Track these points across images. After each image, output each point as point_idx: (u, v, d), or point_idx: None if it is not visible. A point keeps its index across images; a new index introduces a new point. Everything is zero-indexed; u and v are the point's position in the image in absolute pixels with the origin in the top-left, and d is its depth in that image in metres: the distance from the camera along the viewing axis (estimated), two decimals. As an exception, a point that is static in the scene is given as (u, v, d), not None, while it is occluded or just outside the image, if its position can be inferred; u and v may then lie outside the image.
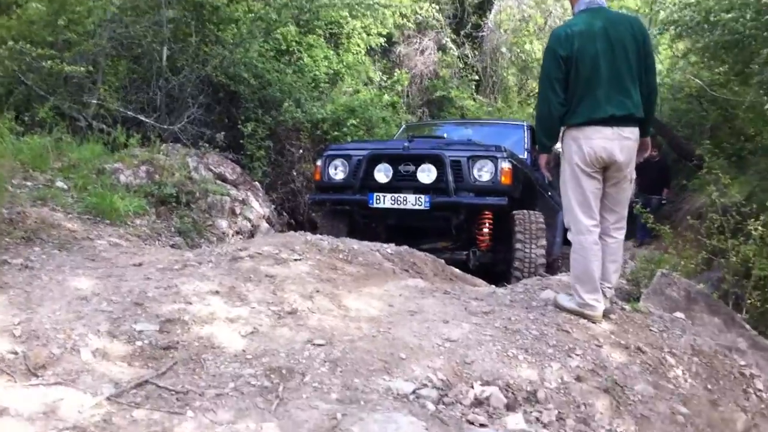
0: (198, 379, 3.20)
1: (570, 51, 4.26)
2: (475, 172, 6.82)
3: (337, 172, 7.30)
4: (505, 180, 6.73)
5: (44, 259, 4.73)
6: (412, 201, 6.78)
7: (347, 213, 7.38)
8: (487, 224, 6.92)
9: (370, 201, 6.91)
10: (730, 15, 9.81)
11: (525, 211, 6.72)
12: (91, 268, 4.53)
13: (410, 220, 7.08)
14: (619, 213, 4.52)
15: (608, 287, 4.52)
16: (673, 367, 4.03)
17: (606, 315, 4.43)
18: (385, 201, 6.87)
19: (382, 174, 7.01)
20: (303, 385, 3.22)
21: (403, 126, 10.58)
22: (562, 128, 4.48)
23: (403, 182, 6.97)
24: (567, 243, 9.11)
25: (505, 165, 6.75)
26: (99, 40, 8.66)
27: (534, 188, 7.59)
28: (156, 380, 3.14)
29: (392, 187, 6.95)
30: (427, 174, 6.87)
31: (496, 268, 6.86)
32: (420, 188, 6.86)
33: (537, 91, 4.68)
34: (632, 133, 4.34)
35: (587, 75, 4.25)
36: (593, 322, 4.32)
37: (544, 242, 6.56)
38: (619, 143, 4.27)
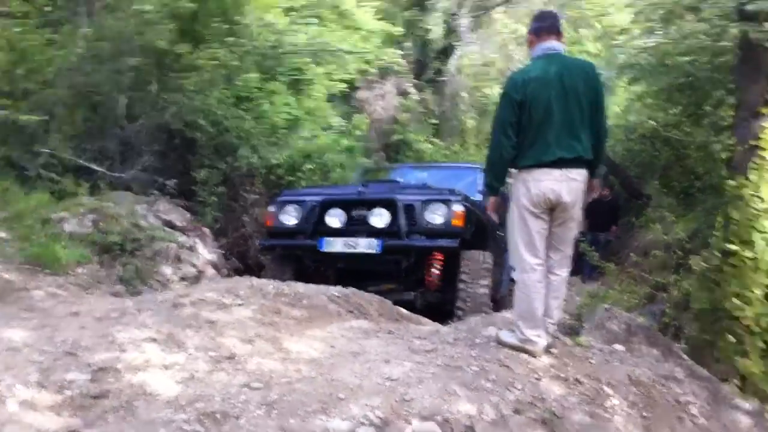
0: (128, 427, 3.16)
1: (524, 96, 4.34)
2: (428, 216, 6.83)
3: (290, 217, 7.27)
4: (457, 222, 6.76)
5: (-23, 311, 4.65)
6: (364, 245, 6.78)
7: (295, 257, 7.35)
8: (437, 265, 6.93)
9: (320, 245, 6.89)
10: (686, 58, 10.05)
11: (472, 251, 6.75)
12: (25, 319, 4.46)
13: (361, 264, 7.06)
14: (563, 251, 4.57)
15: (551, 323, 4.55)
16: (610, 396, 4.05)
17: (547, 349, 4.45)
18: (336, 245, 6.85)
19: (335, 219, 7.02)
20: (237, 428, 3.19)
21: (360, 170, 10.62)
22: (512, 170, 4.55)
23: (356, 227, 6.96)
24: (513, 280, 9.20)
25: (458, 208, 6.79)
26: (57, 90, 8.59)
27: (486, 229, 7.64)
28: (84, 429, 3.10)
29: (345, 232, 6.95)
30: (379, 218, 6.88)
31: (445, 308, 6.86)
32: (372, 232, 6.87)
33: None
34: (580, 174, 4.41)
35: (539, 120, 4.32)
36: (534, 357, 4.35)
37: (488, 281, 6.57)
38: (567, 185, 4.34)
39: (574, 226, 4.55)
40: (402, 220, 6.76)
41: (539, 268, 4.42)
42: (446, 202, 6.83)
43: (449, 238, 6.74)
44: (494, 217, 5.06)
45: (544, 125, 4.31)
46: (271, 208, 7.46)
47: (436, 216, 6.82)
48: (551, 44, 4.52)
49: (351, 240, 6.82)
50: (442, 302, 6.96)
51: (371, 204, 6.97)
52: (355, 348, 4.40)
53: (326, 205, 7.08)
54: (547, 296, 4.47)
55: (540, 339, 4.38)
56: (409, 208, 6.84)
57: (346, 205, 7.06)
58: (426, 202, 6.88)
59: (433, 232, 6.78)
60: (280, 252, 7.48)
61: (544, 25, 4.56)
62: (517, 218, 4.44)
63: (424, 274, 6.98)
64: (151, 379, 3.62)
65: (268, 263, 7.67)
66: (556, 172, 4.32)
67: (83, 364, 3.68)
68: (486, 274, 6.60)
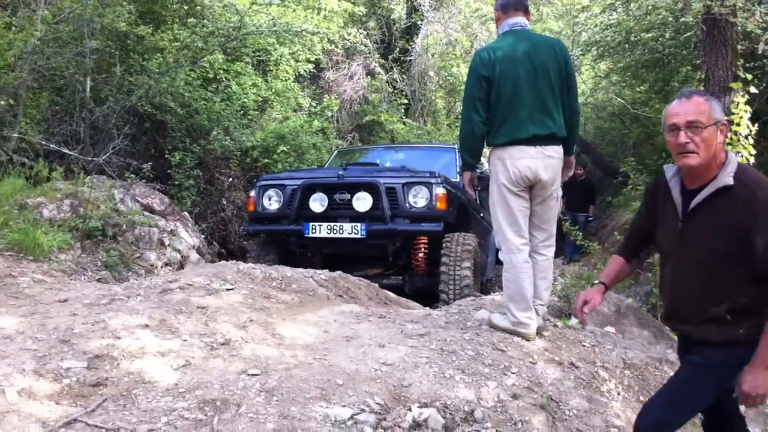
0: (129, 415, 3.11)
1: (492, 72, 4.35)
2: (411, 199, 6.84)
3: (272, 202, 7.23)
4: (440, 205, 6.77)
5: (-36, 298, 4.56)
6: (348, 229, 6.77)
7: (280, 241, 7.32)
8: (422, 249, 6.96)
9: (306, 231, 6.87)
10: (650, 35, 10.13)
11: (453, 234, 6.77)
12: (14, 306, 4.37)
13: (346, 249, 7.08)
14: (547, 231, 4.60)
15: (540, 304, 4.58)
16: (606, 380, 4.10)
17: (539, 332, 4.49)
18: (320, 230, 6.84)
19: (318, 203, 6.98)
20: (238, 416, 3.16)
21: (335, 152, 10.58)
22: (488, 149, 4.56)
23: (339, 211, 6.95)
24: (500, 263, 9.24)
25: (440, 190, 6.80)
26: (20, 73, 8.44)
27: (467, 211, 7.66)
28: (85, 418, 3.04)
29: (327, 216, 6.93)
30: (362, 202, 6.86)
31: (433, 291, 6.88)
32: (355, 216, 6.85)
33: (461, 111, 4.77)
34: (556, 151, 4.43)
35: (509, 97, 4.34)
36: (527, 340, 4.38)
37: (470, 263, 6.59)
38: (543, 162, 4.36)
39: (554, 204, 4.58)
40: (385, 204, 6.75)
41: (525, 248, 4.44)
42: (428, 185, 6.84)
43: (433, 221, 6.76)
44: (470, 192, 5.06)
45: (515, 102, 4.33)
46: (252, 193, 7.40)
47: (418, 199, 6.83)
48: (518, 20, 4.52)
49: (335, 225, 6.80)
50: (430, 286, 6.97)
51: (353, 187, 6.95)
52: (348, 332, 4.40)
53: (307, 189, 7.04)
54: (535, 277, 4.49)
55: (531, 321, 4.40)
56: (391, 191, 6.83)
57: (327, 188, 7.03)
58: (407, 185, 6.88)
59: (417, 216, 6.80)
60: (264, 237, 7.44)
61: (511, 2, 4.55)
62: (497, 197, 4.46)
63: (411, 258, 7.00)
64: (148, 366, 3.57)
65: (252, 248, 7.62)
66: (531, 150, 4.34)
67: (79, 351, 3.62)
68: (468, 256, 6.62)
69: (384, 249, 6.92)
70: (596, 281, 3.28)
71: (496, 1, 4.67)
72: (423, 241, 6.93)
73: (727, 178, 2.71)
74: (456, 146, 9.12)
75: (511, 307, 4.43)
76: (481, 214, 8.41)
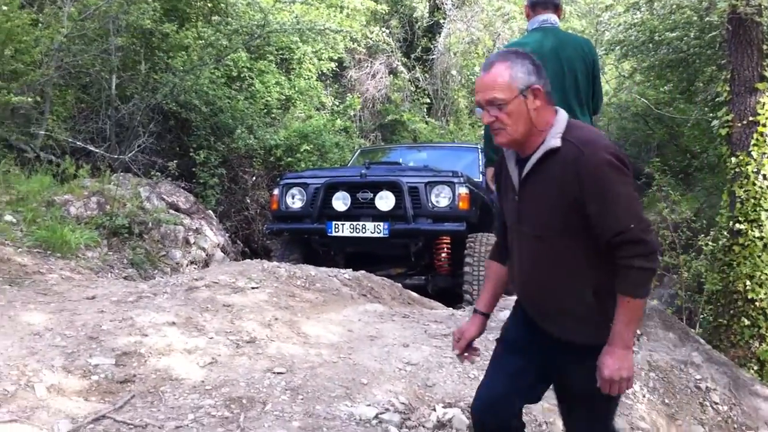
0: (157, 412, 3.15)
1: None
2: (433, 198, 6.84)
3: (295, 200, 7.25)
4: (462, 205, 6.76)
5: (-6, 294, 4.62)
6: (371, 229, 6.77)
7: (303, 240, 7.35)
8: (445, 249, 6.95)
9: (329, 230, 6.88)
10: (674, 34, 10.05)
11: (476, 234, 6.76)
12: (43, 303, 4.43)
13: (369, 248, 7.08)
14: None
15: None
16: (631, 382, 4.08)
17: None
18: (343, 229, 6.85)
19: (340, 202, 6.99)
20: (264, 414, 3.19)
21: (357, 151, 10.59)
22: None
23: (361, 210, 6.95)
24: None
25: (463, 190, 6.79)
26: (46, 70, 8.53)
27: (490, 210, 7.64)
28: (113, 414, 3.08)
29: (350, 215, 6.94)
30: (385, 201, 6.86)
31: (456, 291, 6.87)
32: (378, 215, 6.86)
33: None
34: None
35: None
36: None
37: None
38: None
39: None
40: (407, 203, 6.75)
41: None
42: (450, 184, 6.83)
43: (455, 221, 6.74)
44: (492, 187, 5.00)
45: None
46: (275, 192, 7.43)
47: (441, 198, 6.82)
48: (548, 16, 4.43)
49: (358, 224, 6.81)
50: (453, 286, 6.97)
51: (375, 186, 6.95)
52: (372, 332, 4.41)
53: (330, 188, 7.06)
54: None
55: None
56: (414, 191, 6.83)
57: (350, 187, 7.04)
58: (430, 184, 6.87)
59: (439, 216, 6.79)
60: (287, 236, 7.48)
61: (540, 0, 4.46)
62: None
63: (433, 258, 7.00)
64: (175, 363, 3.62)
65: (276, 247, 7.66)
66: None
67: (107, 348, 3.67)
68: None
69: (406, 248, 6.92)
70: (475, 309, 2.79)
71: None
72: (446, 240, 6.93)
73: (553, 140, 2.35)
74: (479, 146, 9.10)
75: None
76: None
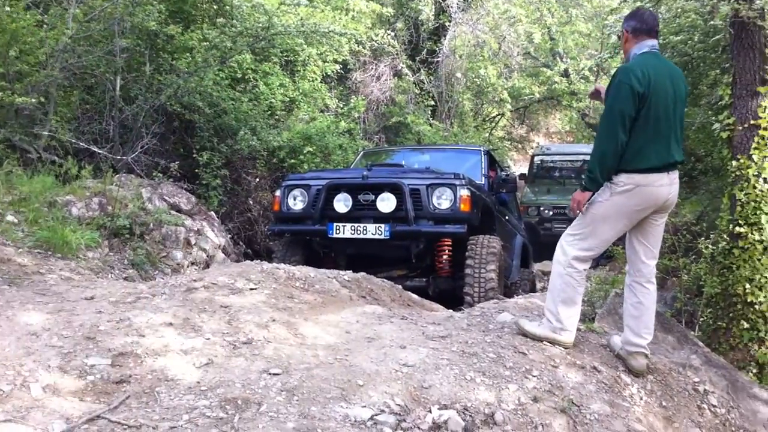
0: (151, 413, 3.15)
1: (647, 90, 4.08)
2: (435, 200, 6.85)
3: (296, 202, 7.27)
4: (464, 207, 6.76)
5: (-7, 294, 4.63)
6: (372, 230, 6.78)
7: (304, 242, 7.35)
8: (446, 251, 6.97)
9: (330, 231, 6.89)
10: (679, 38, 10.02)
11: (478, 236, 6.77)
12: (41, 303, 4.43)
13: (370, 250, 7.09)
14: (655, 256, 4.44)
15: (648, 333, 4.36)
16: (628, 385, 4.08)
17: (648, 367, 4.33)
18: (344, 231, 6.86)
19: (342, 204, 7.00)
20: (259, 415, 3.19)
21: (361, 152, 10.60)
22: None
23: (363, 211, 6.96)
24: (524, 266, 9.16)
25: (464, 192, 6.79)
26: (51, 71, 8.55)
27: (492, 213, 7.65)
28: (108, 415, 3.09)
29: (352, 217, 6.95)
30: (386, 203, 6.87)
31: (457, 293, 6.87)
32: (379, 217, 6.87)
33: (599, 125, 4.46)
34: (677, 176, 4.30)
35: (658, 117, 4.12)
36: (564, 348, 4.31)
37: (494, 266, 6.58)
38: (673, 188, 4.25)
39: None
40: (409, 205, 6.76)
41: (590, 262, 4.37)
42: (452, 187, 6.84)
43: (457, 223, 6.75)
44: (577, 214, 4.50)
45: (661, 124, 4.13)
46: (277, 193, 7.44)
47: (442, 201, 6.83)
48: (654, 42, 4.33)
49: (359, 225, 6.82)
50: (454, 288, 6.97)
51: (377, 188, 6.96)
52: (369, 333, 4.40)
53: (332, 190, 7.07)
54: (648, 308, 4.33)
55: (574, 328, 4.33)
56: (415, 193, 6.84)
57: (351, 189, 7.05)
58: (431, 186, 6.88)
59: (440, 218, 6.80)
60: (289, 237, 7.49)
61: (644, 27, 4.31)
62: (615, 215, 4.23)
63: (435, 260, 7.01)
64: (171, 364, 3.62)
65: (277, 248, 7.67)
66: (666, 177, 4.18)
67: (103, 348, 3.67)
68: (493, 259, 6.61)
69: (408, 250, 6.93)
70: None
71: (626, 20, 4.43)
72: (447, 243, 6.94)
73: None
74: (482, 148, 9.09)
75: (560, 312, 4.30)
76: (506, 217, 8.37)
